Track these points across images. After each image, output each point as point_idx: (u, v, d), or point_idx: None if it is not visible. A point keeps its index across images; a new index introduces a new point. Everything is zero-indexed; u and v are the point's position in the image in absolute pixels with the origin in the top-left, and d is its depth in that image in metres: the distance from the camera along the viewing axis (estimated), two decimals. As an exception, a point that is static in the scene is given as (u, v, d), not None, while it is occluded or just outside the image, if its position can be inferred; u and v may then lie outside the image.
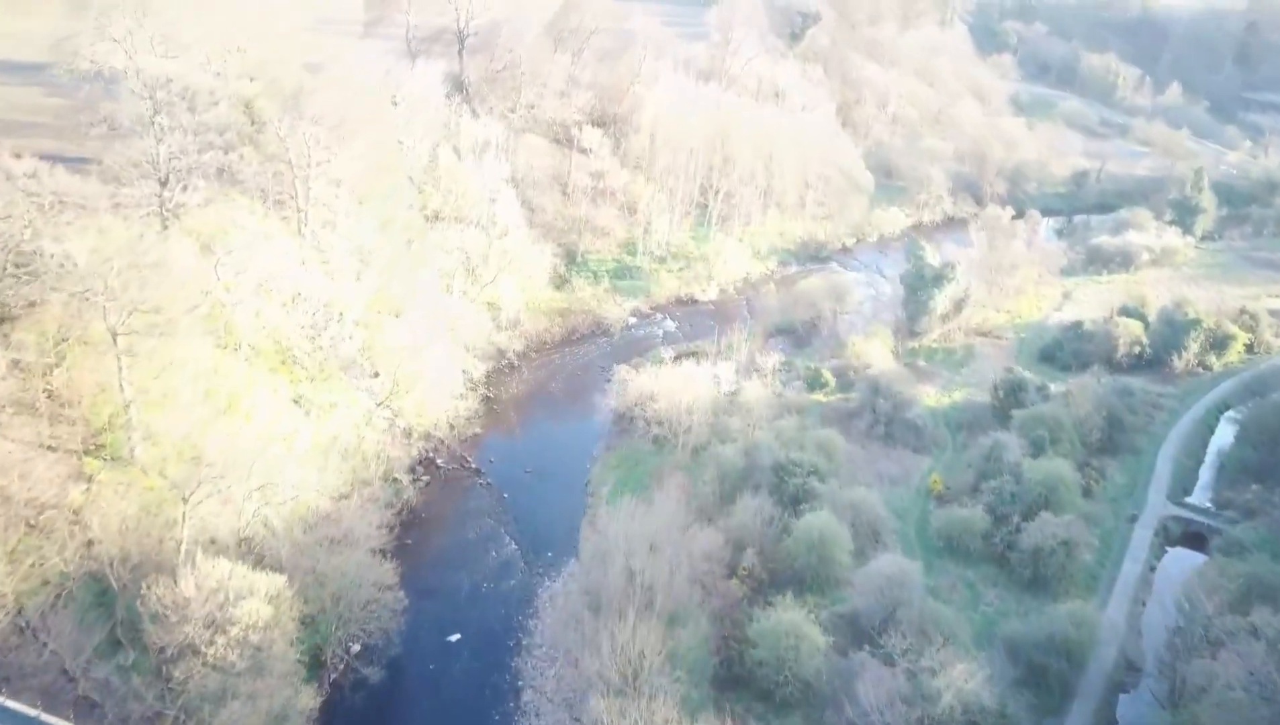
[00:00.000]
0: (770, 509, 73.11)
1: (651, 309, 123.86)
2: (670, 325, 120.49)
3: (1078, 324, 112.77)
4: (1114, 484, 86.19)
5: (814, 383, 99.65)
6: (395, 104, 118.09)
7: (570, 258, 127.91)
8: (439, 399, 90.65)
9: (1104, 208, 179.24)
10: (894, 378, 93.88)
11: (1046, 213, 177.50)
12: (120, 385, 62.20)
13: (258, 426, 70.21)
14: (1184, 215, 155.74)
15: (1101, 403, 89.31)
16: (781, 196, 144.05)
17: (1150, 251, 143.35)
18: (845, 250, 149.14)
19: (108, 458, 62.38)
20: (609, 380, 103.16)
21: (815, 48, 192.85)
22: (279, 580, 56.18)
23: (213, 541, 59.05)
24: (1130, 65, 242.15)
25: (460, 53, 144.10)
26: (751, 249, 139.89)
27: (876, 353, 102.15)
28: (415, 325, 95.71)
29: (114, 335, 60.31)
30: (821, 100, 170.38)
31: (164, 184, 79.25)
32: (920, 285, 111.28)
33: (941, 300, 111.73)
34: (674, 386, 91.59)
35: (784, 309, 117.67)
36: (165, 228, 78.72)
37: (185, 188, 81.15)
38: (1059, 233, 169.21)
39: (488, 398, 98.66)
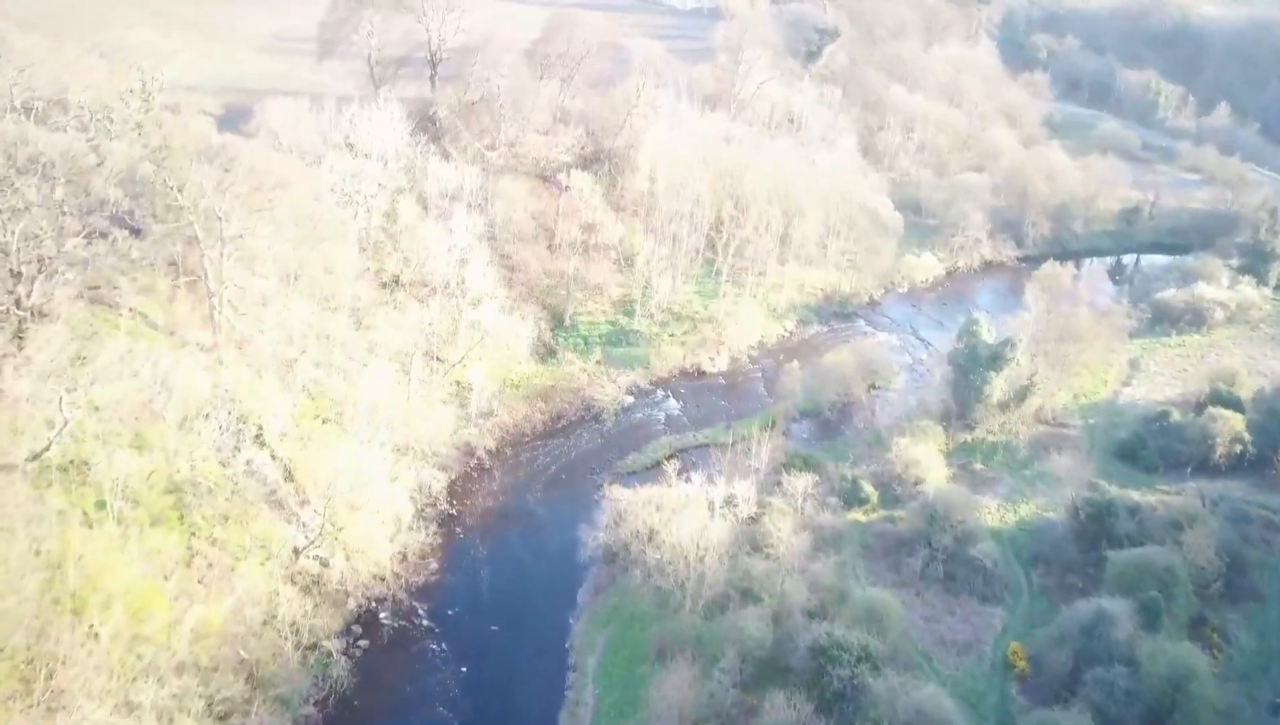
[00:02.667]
0: (809, 718, 54.78)
1: (652, 384, 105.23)
2: (674, 406, 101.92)
3: (1163, 415, 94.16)
4: (1242, 651, 67.64)
5: (852, 497, 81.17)
6: (349, 145, 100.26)
7: (557, 321, 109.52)
8: (384, 533, 72.17)
9: (1157, 247, 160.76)
10: (952, 499, 75.27)
11: (1093, 254, 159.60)
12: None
13: (117, 622, 51.58)
14: (1256, 261, 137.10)
15: (1222, 542, 70.76)
16: (800, 244, 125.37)
17: (1224, 307, 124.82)
18: (873, 303, 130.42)
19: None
20: (600, 486, 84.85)
21: (833, 67, 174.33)
22: None
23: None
24: (1169, 82, 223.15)
25: (432, 79, 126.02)
26: (766, 306, 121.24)
27: (926, 458, 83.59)
28: (359, 434, 77.40)
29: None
30: (842, 129, 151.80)
31: (16, 277, 60.90)
32: (974, 367, 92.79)
33: (999, 384, 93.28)
34: (677, 508, 73.28)
35: (809, 389, 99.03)
36: (19, 338, 60.31)
37: (50, 278, 62.83)
38: (1110, 277, 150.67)
39: (450, 516, 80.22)
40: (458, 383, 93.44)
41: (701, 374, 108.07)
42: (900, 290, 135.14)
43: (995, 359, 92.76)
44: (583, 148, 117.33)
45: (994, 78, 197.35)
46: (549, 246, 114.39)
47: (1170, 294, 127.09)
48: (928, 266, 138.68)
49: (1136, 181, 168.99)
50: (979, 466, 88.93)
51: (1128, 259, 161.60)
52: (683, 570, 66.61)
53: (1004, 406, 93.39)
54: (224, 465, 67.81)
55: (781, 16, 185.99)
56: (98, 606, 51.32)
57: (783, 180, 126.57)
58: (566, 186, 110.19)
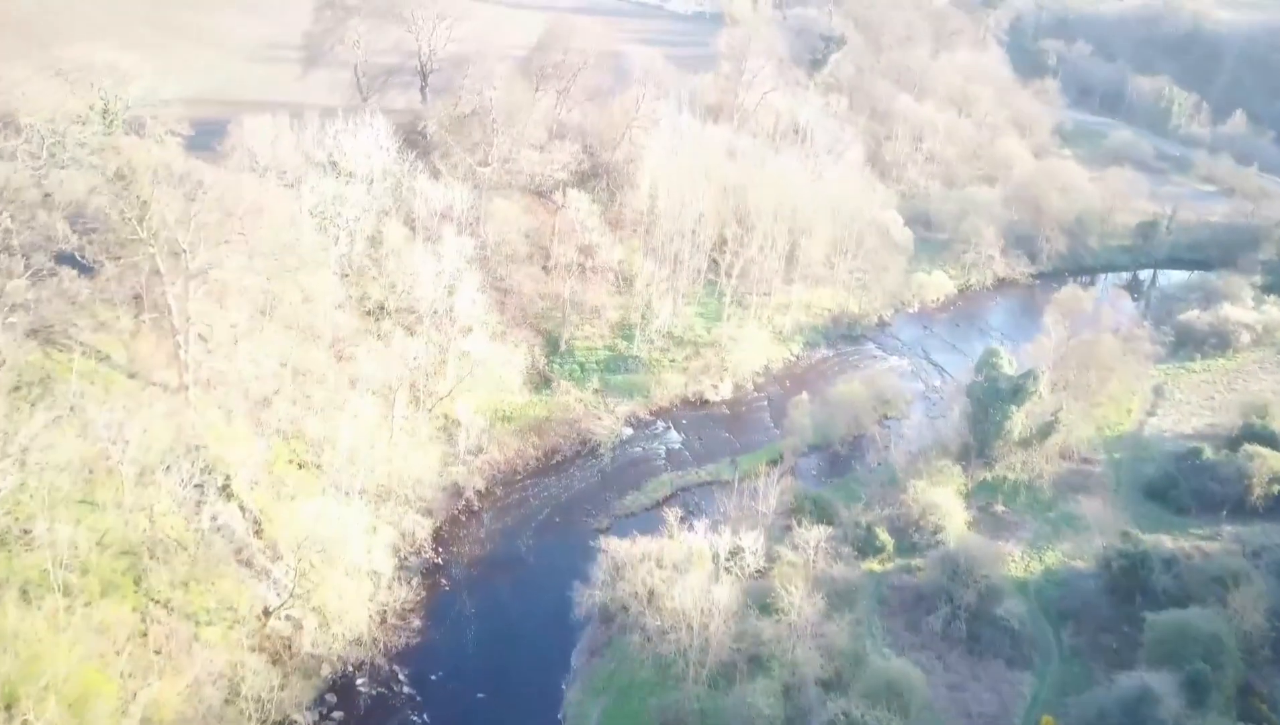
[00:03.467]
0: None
1: (652, 414, 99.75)
2: (675, 438, 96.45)
3: (1194, 452, 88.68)
4: (1292, 723, 62.21)
5: (867, 546, 75.73)
6: (333, 163, 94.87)
7: (552, 347, 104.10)
8: (362, 591, 66.69)
9: (1175, 262, 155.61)
10: (974, 552, 69.81)
11: (1108, 269, 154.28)
12: None
13: (53, 716, 46.08)
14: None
15: (1272, 606, 65.32)
16: (807, 263, 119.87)
17: (1250, 330, 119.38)
18: (882, 324, 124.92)
19: None
20: (597, 531, 79.61)
21: (839, 76, 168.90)
22: None
23: None
24: (1182, 89, 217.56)
25: (423, 90, 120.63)
26: (772, 328, 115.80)
27: (945, 502, 78.12)
28: (338, 478, 72.05)
29: None
30: (849, 140, 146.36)
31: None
32: (993, 401, 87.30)
33: (1020, 419, 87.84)
34: (679, 563, 68.03)
35: (818, 423, 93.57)
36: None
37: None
38: (1127, 294, 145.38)
39: (435, 566, 74.77)
40: (446, 417, 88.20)
41: (704, 403, 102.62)
42: (910, 310, 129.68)
43: (1016, 392, 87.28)
44: (580, 164, 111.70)
45: (1004, 85, 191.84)
46: (544, 267, 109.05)
47: (1193, 315, 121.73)
48: (939, 285, 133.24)
49: (1153, 194, 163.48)
50: (1000, 508, 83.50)
51: (1144, 275, 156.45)
52: (686, 637, 61.15)
53: (1025, 443, 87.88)
54: (187, 521, 62.51)
55: (785, 23, 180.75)
56: (33, 698, 45.89)
57: (788, 196, 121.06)
58: (561, 206, 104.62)
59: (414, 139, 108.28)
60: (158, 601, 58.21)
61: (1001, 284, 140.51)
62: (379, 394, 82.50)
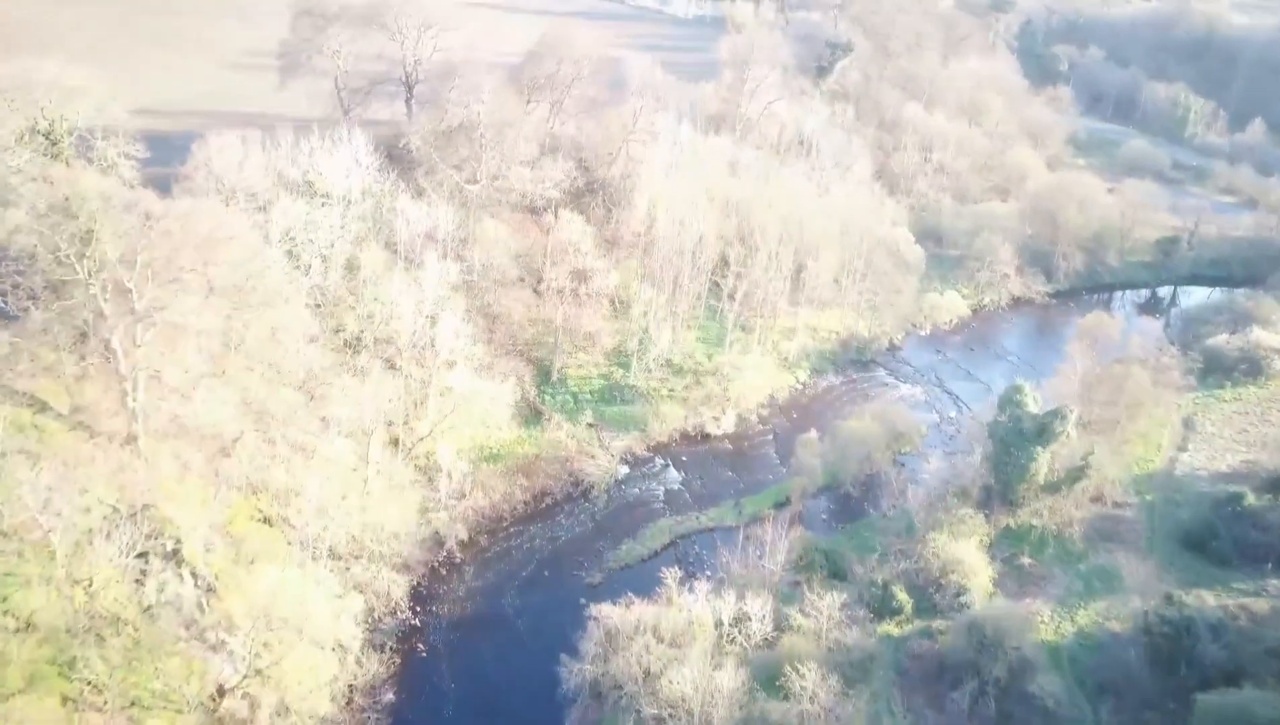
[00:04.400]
0: None
1: (649, 450, 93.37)
2: (674, 477, 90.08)
3: (1234, 498, 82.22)
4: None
5: (884, 607, 69.29)
6: (308, 183, 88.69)
7: (543, 376, 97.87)
8: (328, 668, 60.30)
9: (1197, 279, 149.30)
10: (1002, 621, 63.38)
11: (1127, 287, 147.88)
12: None
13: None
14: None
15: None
16: (814, 284, 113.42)
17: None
18: (893, 348, 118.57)
19: None
20: (589, 588, 73.35)
21: (845, 83, 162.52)
22: None
23: None
24: (1197, 95, 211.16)
25: (408, 102, 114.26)
26: (777, 354, 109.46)
27: (968, 557, 71.69)
28: (305, 533, 65.73)
29: None
30: (857, 153, 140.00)
31: None
32: (1018, 442, 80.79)
33: (1045, 460, 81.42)
34: (679, 634, 61.72)
35: (828, 463, 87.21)
36: None
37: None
38: (1147, 312, 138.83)
39: (412, 628, 68.38)
40: (427, 458, 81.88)
41: (705, 437, 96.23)
42: (922, 332, 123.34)
43: (1042, 432, 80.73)
44: (573, 182, 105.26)
45: (1015, 93, 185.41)
46: (535, 289, 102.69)
47: (1223, 340, 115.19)
48: (952, 306, 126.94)
49: (1174, 207, 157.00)
50: (1027, 561, 77.00)
51: (1164, 292, 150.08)
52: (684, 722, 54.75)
53: (1052, 487, 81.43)
54: (131, 593, 56.19)
55: (789, 29, 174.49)
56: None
57: (794, 213, 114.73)
58: (551, 230, 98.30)
59: (397, 154, 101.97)
60: (93, 685, 51.86)
61: (1017, 303, 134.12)
62: (354, 436, 76.47)
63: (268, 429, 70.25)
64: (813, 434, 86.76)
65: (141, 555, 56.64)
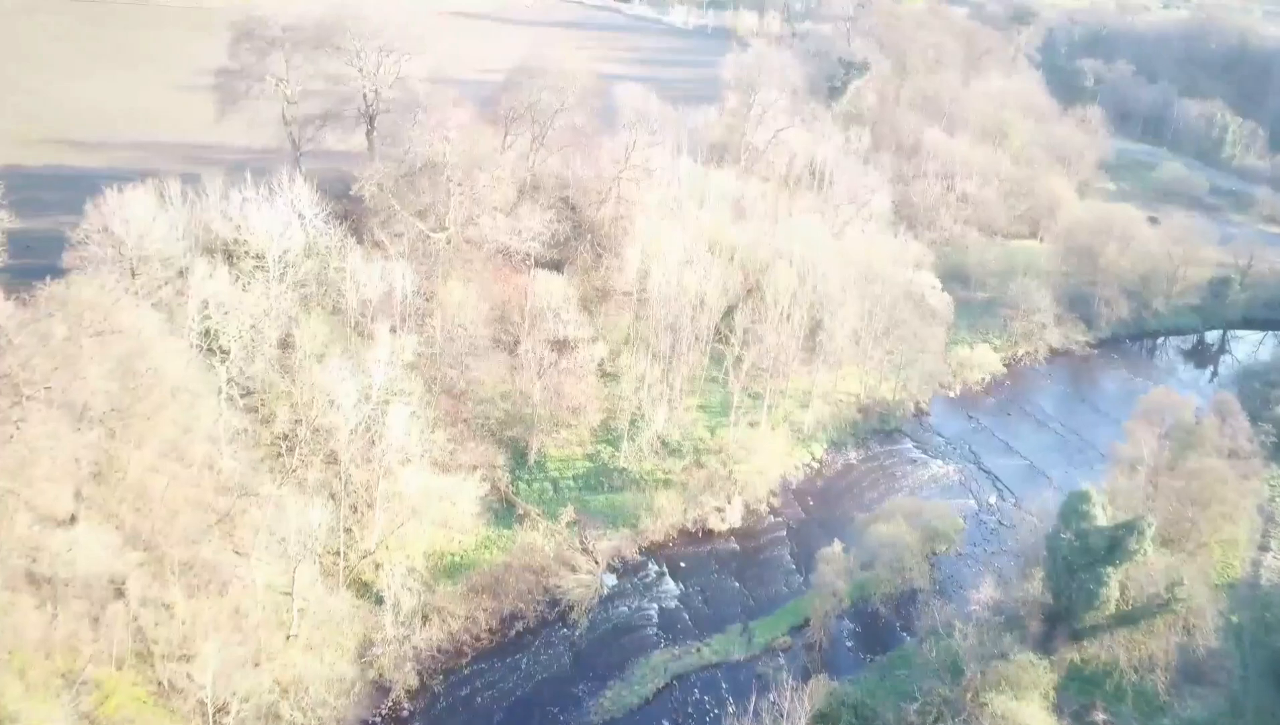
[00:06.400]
0: None
1: (642, 552, 79.48)
2: (670, 590, 76.14)
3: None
4: None
5: (928, 792, 55.41)
6: (238, 242, 75.04)
7: (518, 459, 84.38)
8: None
9: (1249, 323, 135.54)
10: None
11: (1174, 332, 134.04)
12: None
13: None
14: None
15: None
16: (830, 342, 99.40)
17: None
18: (919, 414, 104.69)
19: None
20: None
21: (860, 105, 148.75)
22: None
23: None
24: (1234, 114, 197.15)
25: (369, 135, 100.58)
26: (789, 426, 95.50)
27: (1033, 721, 57.77)
28: (202, 711, 51.82)
29: None
30: (874, 185, 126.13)
31: None
32: (1084, 561, 67.00)
33: (1117, 582, 67.56)
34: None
35: (855, 581, 73.25)
36: None
37: None
38: (1192, 358, 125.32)
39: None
40: (375, 573, 68.19)
41: (707, 534, 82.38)
42: (951, 394, 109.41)
43: (1113, 550, 66.98)
44: (554, 235, 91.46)
45: (1042, 113, 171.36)
46: (511, 351, 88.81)
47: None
48: (983, 361, 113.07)
49: (1222, 239, 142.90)
50: (1101, 717, 63.02)
51: (1212, 336, 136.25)
52: None
53: (1127, 618, 67.52)
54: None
55: (800, 45, 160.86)
56: None
57: (807, 257, 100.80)
58: (529, 293, 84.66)
59: (351, 205, 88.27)
60: None
61: (1054, 355, 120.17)
62: (281, 561, 62.56)
63: (162, 573, 56.32)
64: (836, 547, 72.60)
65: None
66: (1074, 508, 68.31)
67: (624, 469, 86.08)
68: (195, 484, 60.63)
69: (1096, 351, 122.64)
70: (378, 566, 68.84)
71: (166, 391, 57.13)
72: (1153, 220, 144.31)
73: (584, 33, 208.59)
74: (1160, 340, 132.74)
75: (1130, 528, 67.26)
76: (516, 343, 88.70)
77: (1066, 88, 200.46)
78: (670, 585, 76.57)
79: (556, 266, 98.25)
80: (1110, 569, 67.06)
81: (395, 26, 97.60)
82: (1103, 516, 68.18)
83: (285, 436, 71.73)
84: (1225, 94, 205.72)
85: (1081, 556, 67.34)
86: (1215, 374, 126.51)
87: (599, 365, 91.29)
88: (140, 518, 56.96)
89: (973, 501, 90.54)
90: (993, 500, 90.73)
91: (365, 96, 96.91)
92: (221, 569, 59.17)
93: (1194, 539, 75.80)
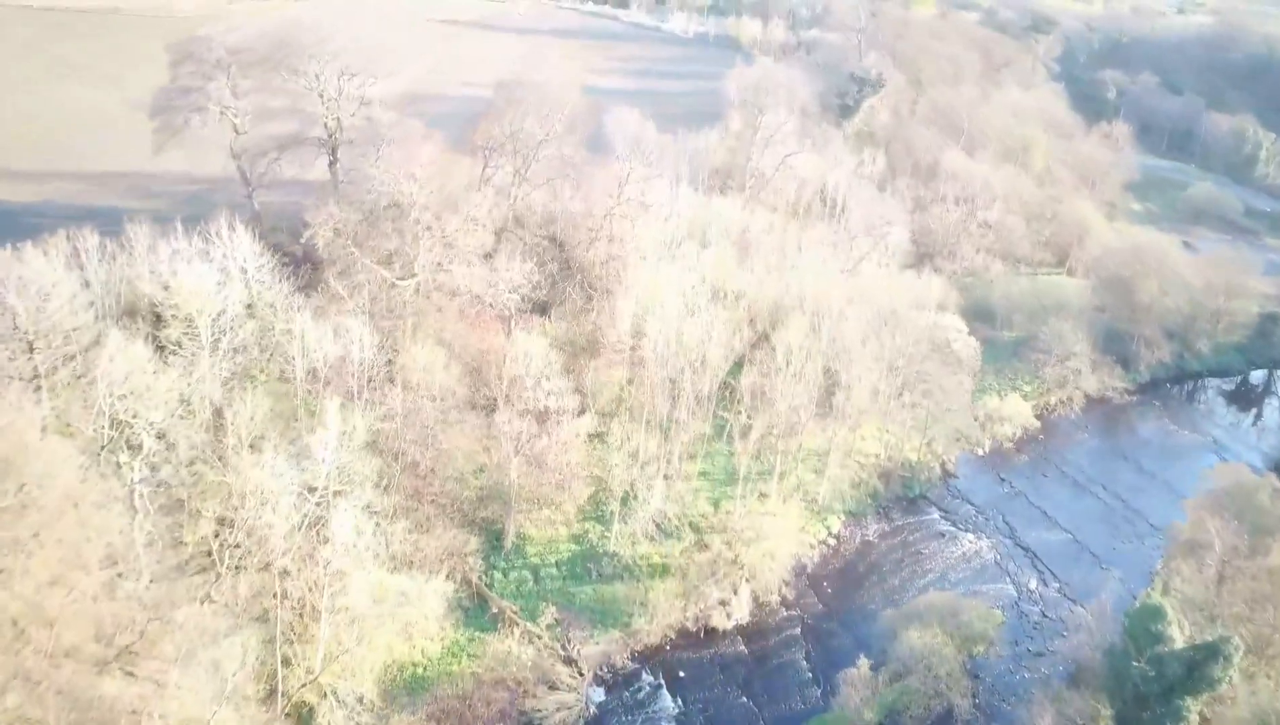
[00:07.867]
0: None
1: (634, 657, 68.83)
2: (667, 708, 65.48)
3: None
4: None
5: None
6: (167, 306, 64.54)
7: (493, 544, 74.00)
8: None
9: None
10: None
11: (1217, 374, 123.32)
12: None
13: None
14: None
15: None
16: (848, 401, 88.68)
17: None
18: (946, 476, 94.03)
19: None
20: None
21: (873, 124, 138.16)
22: None
23: None
24: (1266, 129, 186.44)
25: (332, 167, 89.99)
26: (803, 497, 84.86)
27: None
28: None
29: None
30: (891, 214, 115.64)
31: None
32: (1156, 689, 56.44)
33: (1198, 715, 57.02)
34: None
35: (883, 701, 62.56)
36: None
37: None
38: (1235, 403, 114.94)
39: None
40: (316, 700, 57.60)
41: (710, 635, 71.60)
42: (979, 451, 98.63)
43: (1192, 675, 56.45)
44: (535, 287, 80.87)
45: (1065, 128, 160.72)
46: (488, 413, 78.14)
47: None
48: (1014, 412, 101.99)
49: (1267, 268, 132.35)
50: None
51: (1257, 376, 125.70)
52: None
53: (1209, 760, 57.10)
54: None
55: (805, 57, 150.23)
56: None
57: (821, 306, 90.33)
58: (507, 357, 74.01)
59: (309, 246, 77.72)
60: None
61: (1089, 403, 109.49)
62: (206, 688, 51.88)
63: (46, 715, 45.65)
64: (863, 667, 61.97)
65: None
66: (1144, 626, 57.71)
67: (614, 553, 75.51)
68: (91, 612, 49.85)
69: (1135, 397, 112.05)
70: (324, 694, 58.40)
71: (62, 498, 46.48)
72: (1187, 245, 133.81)
73: (578, 41, 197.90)
74: (1201, 381, 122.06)
75: (1213, 651, 56.67)
76: (494, 404, 78.24)
77: (1087, 100, 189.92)
78: (667, 701, 65.90)
79: (542, 309, 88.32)
80: (1189, 700, 56.56)
81: (361, 47, 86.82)
82: (1179, 636, 57.60)
83: (215, 535, 61.05)
84: (1253, 106, 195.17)
85: (1155, 684, 56.77)
86: (1259, 417, 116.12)
87: (586, 436, 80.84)
88: (21, 657, 46.45)
89: (1010, 586, 79.84)
90: (1033, 585, 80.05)
91: (326, 125, 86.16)
92: (123, 705, 48.40)
93: (1276, 646, 65.14)
